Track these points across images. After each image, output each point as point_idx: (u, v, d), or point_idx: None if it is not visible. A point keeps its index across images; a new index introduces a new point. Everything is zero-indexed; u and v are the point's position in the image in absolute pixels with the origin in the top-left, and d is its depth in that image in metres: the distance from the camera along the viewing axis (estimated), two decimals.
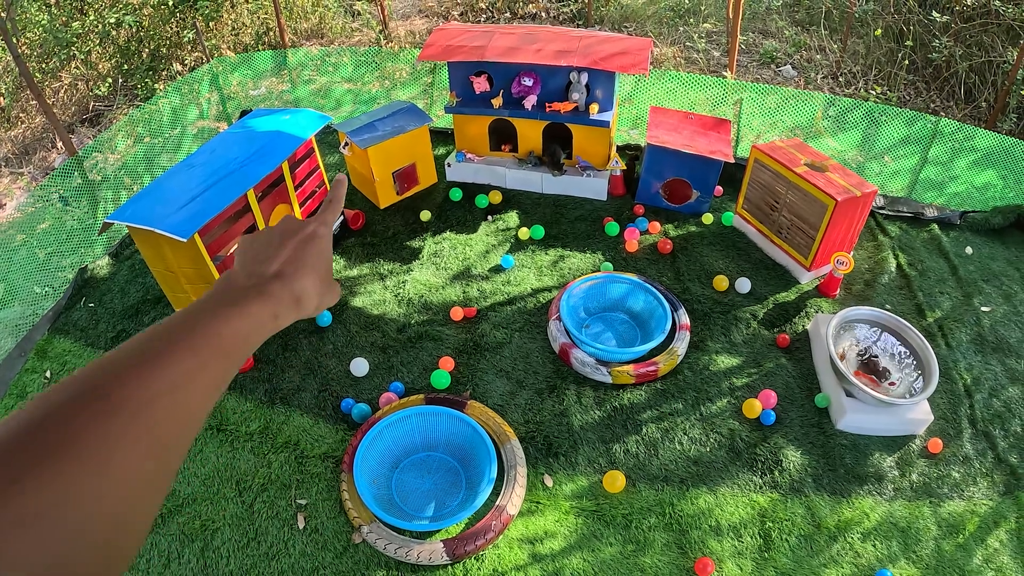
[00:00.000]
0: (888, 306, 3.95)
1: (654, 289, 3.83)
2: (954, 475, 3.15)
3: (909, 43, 7.59)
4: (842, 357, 3.45)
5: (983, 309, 3.98)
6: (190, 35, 8.81)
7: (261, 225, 3.74)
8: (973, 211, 4.75)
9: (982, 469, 3.18)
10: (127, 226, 3.34)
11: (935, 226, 4.61)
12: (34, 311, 4.34)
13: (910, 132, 5.37)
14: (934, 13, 7.44)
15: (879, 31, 7.89)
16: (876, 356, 3.49)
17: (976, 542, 2.90)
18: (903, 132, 5.42)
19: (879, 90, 7.40)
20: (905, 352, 3.45)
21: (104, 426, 0.56)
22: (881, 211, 4.72)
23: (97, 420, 0.56)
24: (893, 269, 4.24)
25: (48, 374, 3.83)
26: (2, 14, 5.15)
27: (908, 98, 7.54)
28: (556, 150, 4.82)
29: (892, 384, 3.38)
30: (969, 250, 4.44)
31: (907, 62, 7.58)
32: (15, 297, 4.47)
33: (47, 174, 6.06)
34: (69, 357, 3.91)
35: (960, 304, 4.01)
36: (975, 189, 5.10)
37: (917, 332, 3.43)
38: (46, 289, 4.56)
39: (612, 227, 4.49)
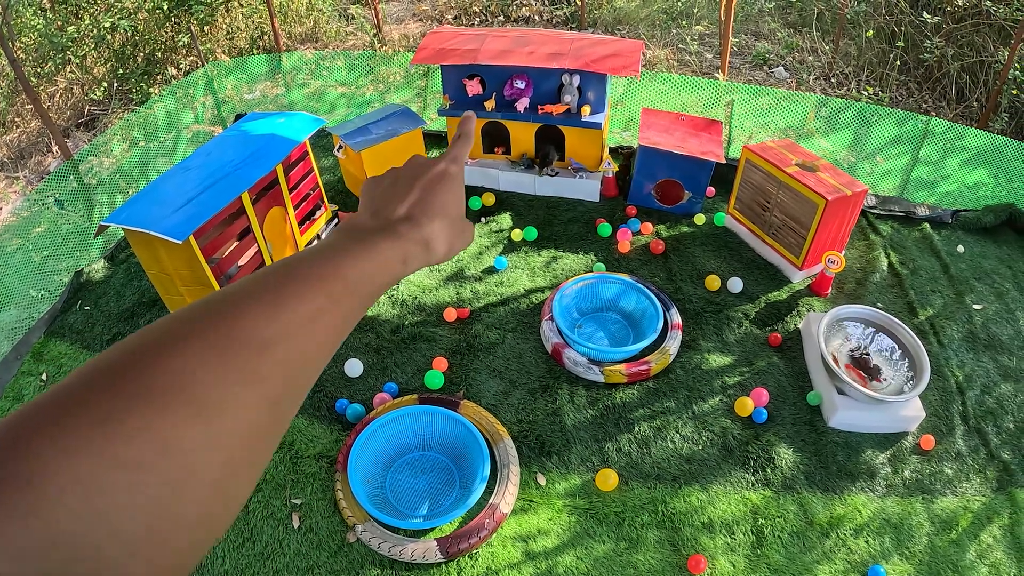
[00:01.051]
0: (880, 304, 3.97)
1: (646, 289, 3.84)
2: (947, 471, 3.17)
3: (901, 44, 7.63)
4: (834, 356, 3.47)
5: (975, 307, 4.01)
6: (185, 39, 8.83)
7: (256, 228, 3.76)
8: (965, 210, 4.78)
9: (975, 465, 3.20)
10: (123, 229, 3.36)
11: (927, 225, 4.64)
12: (30, 314, 4.34)
13: (901, 132, 5.40)
14: (925, 14, 7.47)
15: (871, 32, 7.93)
16: (867, 354, 3.51)
17: (969, 538, 2.92)
18: (894, 132, 5.44)
19: (871, 91, 7.44)
20: (897, 350, 3.47)
21: (221, 366, 0.49)
22: (872, 210, 4.75)
23: (213, 358, 0.49)
24: (885, 268, 4.26)
25: (44, 377, 3.84)
26: None
27: (900, 98, 7.57)
28: (548, 151, 4.84)
29: (878, 380, 3.40)
30: (961, 248, 4.46)
31: (899, 63, 7.61)
32: (11, 301, 4.48)
33: (43, 178, 6.07)
34: (65, 360, 3.92)
35: (952, 302, 4.04)
36: (967, 188, 5.13)
37: (908, 330, 3.45)
38: (42, 292, 4.57)
39: (604, 228, 4.51)
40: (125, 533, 0.42)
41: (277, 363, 0.53)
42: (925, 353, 3.34)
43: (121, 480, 0.41)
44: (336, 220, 4.58)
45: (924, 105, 7.39)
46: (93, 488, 0.40)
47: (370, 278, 0.67)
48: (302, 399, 0.57)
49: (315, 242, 4.22)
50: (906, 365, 3.40)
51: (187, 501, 0.45)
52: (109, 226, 3.36)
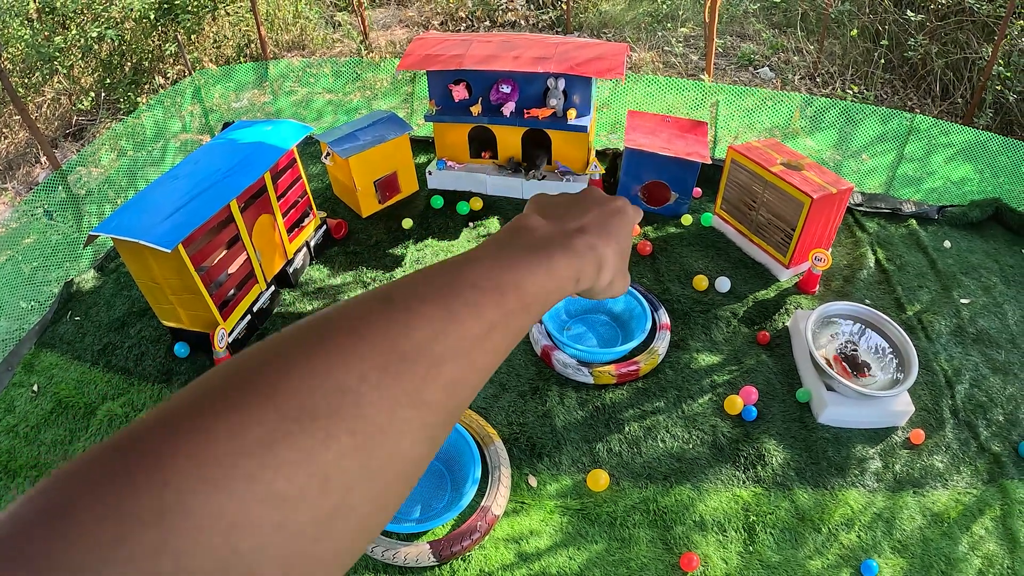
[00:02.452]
0: (868, 301, 4.00)
1: (634, 290, 3.86)
2: (937, 465, 3.19)
3: (885, 42, 7.67)
4: (824, 356, 3.49)
5: (962, 301, 4.03)
6: (172, 48, 8.83)
7: (244, 236, 3.76)
8: (951, 205, 4.81)
9: (965, 458, 3.22)
10: (112, 238, 3.36)
11: (913, 221, 4.66)
12: (20, 326, 4.34)
13: (886, 130, 5.43)
14: (909, 12, 7.52)
15: (855, 31, 7.97)
16: (855, 350, 3.53)
17: (961, 530, 2.94)
18: (879, 130, 5.47)
19: (856, 89, 7.47)
20: (885, 345, 3.49)
21: (389, 386, 0.43)
22: (859, 208, 4.78)
23: (381, 375, 0.43)
24: (872, 264, 4.28)
25: (35, 388, 3.83)
26: None
27: (885, 96, 7.61)
28: (538, 156, 4.86)
29: (863, 376, 3.42)
30: (948, 244, 4.49)
31: (883, 61, 7.65)
32: (1, 312, 4.47)
33: (31, 189, 6.06)
34: (56, 371, 3.91)
35: (939, 297, 4.06)
36: (952, 184, 5.16)
37: (896, 325, 3.47)
38: (32, 303, 4.56)
39: None
40: (271, 559, 0.37)
41: (443, 386, 0.47)
42: (913, 348, 3.36)
43: (269, 517, 0.36)
44: (325, 228, 4.59)
45: (909, 103, 7.43)
46: (237, 526, 0.35)
47: (545, 295, 0.59)
48: (456, 421, 0.50)
49: (303, 249, 4.24)
50: (895, 361, 3.42)
51: (330, 539, 0.40)
52: (98, 236, 3.36)
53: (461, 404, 0.49)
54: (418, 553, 2.76)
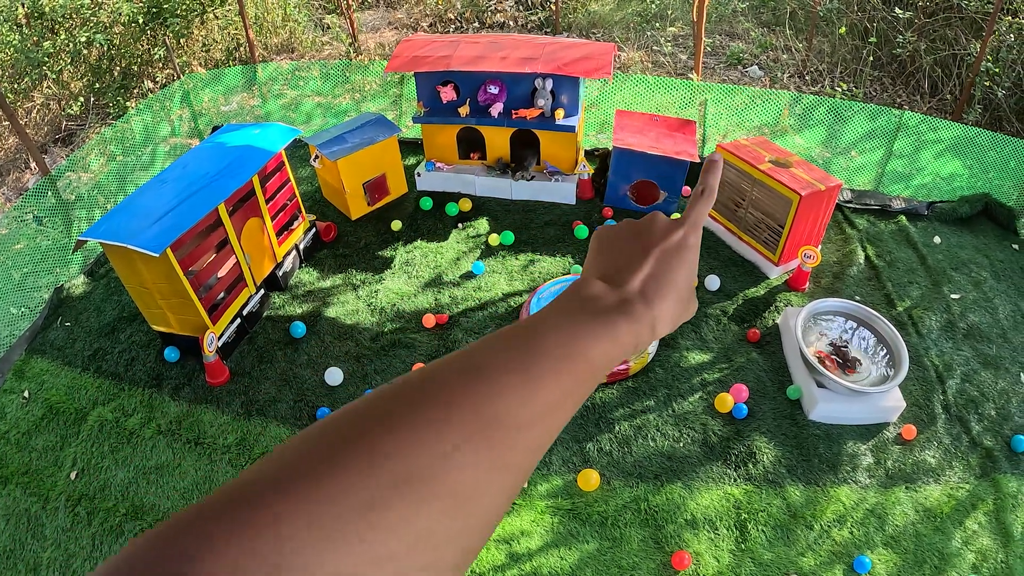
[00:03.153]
0: (858, 297, 4.00)
1: None
2: (929, 460, 3.19)
3: (873, 40, 7.68)
4: (814, 351, 3.49)
5: (953, 296, 4.04)
6: (161, 52, 8.81)
7: (233, 240, 3.76)
8: (940, 201, 4.82)
9: (957, 453, 3.23)
10: (101, 243, 3.35)
11: (903, 217, 4.67)
12: (10, 332, 4.32)
13: (875, 126, 5.44)
14: (897, 9, 7.53)
15: (843, 29, 7.98)
16: (846, 346, 3.53)
17: (954, 525, 2.95)
18: (868, 127, 5.48)
19: (845, 87, 7.49)
20: (875, 341, 3.49)
21: (480, 451, 0.46)
22: (848, 205, 4.79)
23: (473, 441, 0.46)
24: (862, 261, 4.29)
25: (26, 394, 3.82)
26: None
27: (874, 93, 7.63)
28: (527, 156, 4.86)
29: (852, 372, 3.42)
30: (937, 239, 4.50)
31: (872, 58, 7.67)
32: None
33: (20, 194, 6.04)
34: (47, 377, 3.90)
35: (929, 292, 4.07)
36: (942, 180, 5.17)
37: (886, 321, 3.48)
38: (22, 310, 4.54)
39: (581, 230, 4.53)
40: None
41: (524, 450, 0.50)
42: (904, 344, 3.36)
43: (371, 575, 0.39)
44: (314, 231, 4.58)
45: (898, 99, 7.44)
46: None
47: (610, 361, 0.61)
48: (519, 492, 0.53)
49: (293, 252, 4.23)
50: (886, 356, 3.42)
51: None
52: (87, 241, 3.35)
53: (535, 463, 0.52)
54: None
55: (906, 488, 3.09)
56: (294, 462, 0.41)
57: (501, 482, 0.47)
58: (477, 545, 0.46)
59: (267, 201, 4.06)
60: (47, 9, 8.62)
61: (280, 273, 4.26)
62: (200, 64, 9.00)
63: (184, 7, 8.80)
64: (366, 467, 0.41)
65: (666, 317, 0.70)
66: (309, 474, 0.40)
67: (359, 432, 0.43)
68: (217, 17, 9.27)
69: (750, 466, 3.16)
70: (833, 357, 3.49)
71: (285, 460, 0.41)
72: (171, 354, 3.85)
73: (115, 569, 0.34)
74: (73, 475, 3.38)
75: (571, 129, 4.60)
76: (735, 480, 3.12)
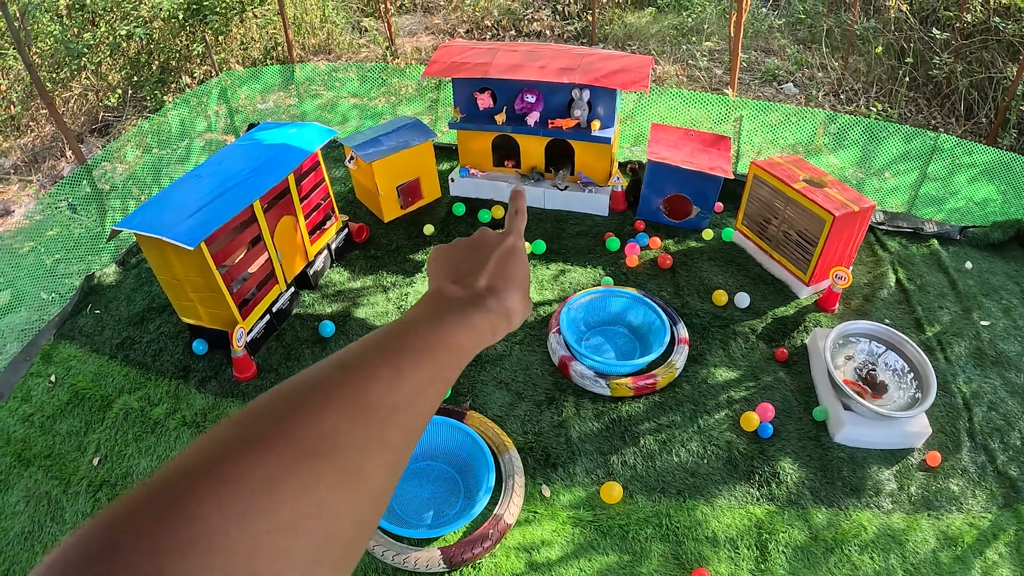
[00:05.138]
0: (887, 320, 3.98)
1: (653, 303, 3.86)
2: (953, 488, 3.16)
3: (910, 60, 7.64)
4: (841, 373, 3.47)
5: (982, 323, 4.00)
6: (199, 48, 8.90)
7: (267, 237, 3.79)
8: (973, 226, 4.78)
9: (981, 482, 3.20)
10: (135, 234, 3.39)
11: (935, 241, 4.64)
12: (40, 316, 4.38)
13: (910, 148, 5.41)
14: (934, 30, 7.49)
15: (880, 48, 7.94)
16: (874, 370, 3.51)
17: (975, 555, 2.92)
18: (903, 148, 5.45)
19: (880, 107, 7.44)
20: (904, 366, 3.47)
21: (359, 430, 0.53)
22: (880, 227, 4.76)
23: (353, 422, 0.53)
24: (892, 284, 4.26)
25: (53, 378, 3.87)
26: (16, 23, 5.22)
27: (909, 115, 7.58)
28: (562, 165, 4.88)
29: (878, 397, 3.39)
30: (969, 265, 4.46)
31: (908, 79, 7.62)
32: (22, 303, 4.51)
33: (56, 182, 6.11)
34: (74, 362, 3.95)
35: (959, 318, 4.04)
36: (975, 204, 5.13)
37: (915, 346, 3.45)
38: (53, 295, 4.61)
39: (613, 242, 4.53)
40: None
41: (400, 429, 0.57)
42: (932, 369, 3.33)
43: (277, 543, 0.44)
44: (346, 231, 4.61)
45: (933, 121, 7.40)
46: (254, 552, 0.42)
47: (469, 348, 0.72)
48: (407, 461, 0.60)
49: (324, 252, 4.26)
50: (914, 382, 3.40)
51: (325, 561, 0.47)
52: (122, 231, 3.39)
53: (414, 442, 0.60)
54: (429, 558, 2.77)
55: (928, 515, 3.06)
56: (208, 447, 0.47)
57: (383, 458, 0.54)
58: (369, 518, 0.52)
59: (301, 200, 4.09)
60: (88, 1, 8.73)
61: (311, 272, 4.29)
62: (238, 62, 9.09)
63: (224, 5, 8.89)
64: (265, 444, 0.47)
65: (517, 308, 0.82)
66: (221, 459, 0.46)
67: (255, 421, 0.50)
68: (256, 16, 9.35)
69: (773, 486, 3.14)
70: (859, 383, 3.47)
71: (201, 447, 0.47)
72: (199, 347, 3.89)
73: (49, 569, 0.39)
74: (96, 461, 3.41)
75: (607, 141, 4.60)
76: (757, 500, 3.10)
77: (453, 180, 5.13)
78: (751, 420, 3.34)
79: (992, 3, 7.32)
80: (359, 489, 0.51)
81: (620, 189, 4.85)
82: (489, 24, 10.09)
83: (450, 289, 0.80)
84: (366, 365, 0.59)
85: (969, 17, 7.37)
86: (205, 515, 0.41)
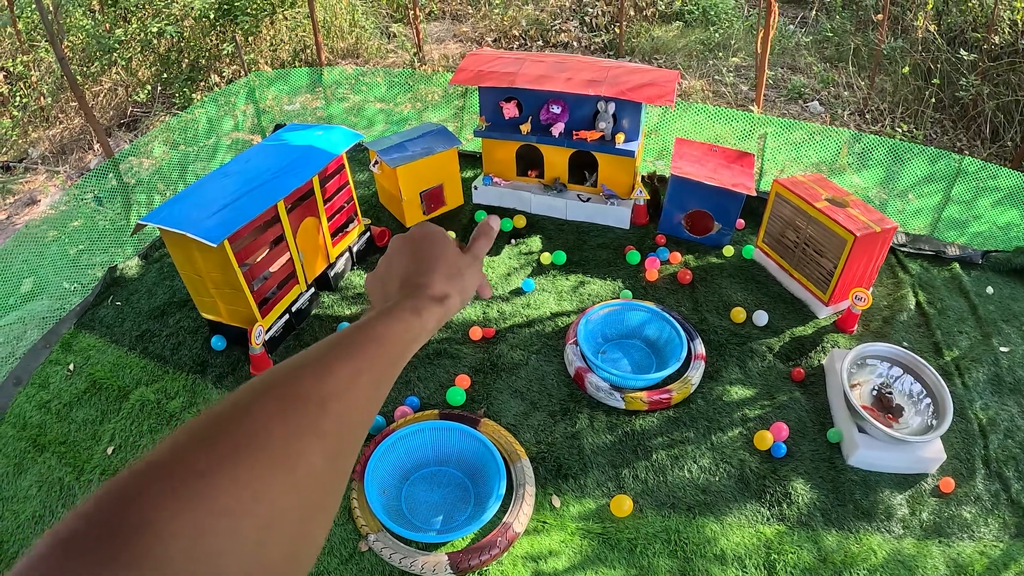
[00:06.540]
0: (906, 343, 3.95)
1: (671, 318, 3.86)
2: (965, 515, 3.14)
3: (936, 81, 7.61)
4: (858, 395, 3.45)
5: (1002, 349, 3.97)
6: (229, 48, 8.98)
7: (289, 237, 3.82)
8: (995, 251, 4.75)
9: (994, 510, 3.16)
10: (159, 228, 3.43)
11: (956, 265, 4.61)
12: (62, 305, 4.44)
13: (934, 170, 5.37)
14: (962, 51, 7.45)
15: (907, 69, 7.91)
16: (890, 393, 3.49)
17: None
18: (927, 170, 5.42)
19: (905, 128, 7.41)
20: (920, 390, 3.45)
21: (290, 422, 0.58)
22: (902, 248, 4.73)
23: (283, 415, 0.58)
24: (912, 307, 4.24)
25: (71, 367, 3.92)
26: (49, 16, 5.29)
27: (934, 136, 7.54)
28: (587, 175, 4.90)
29: (895, 420, 3.37)
30: (990, 290, 4.43)
31: (934, 100, 7.59)
32: (44, 291, 4.57)
33: (83, 174, 6.18)
34: (93, 352, 4.00)
35: (979, 344, 4.01)
36: (998, 229, 5.09)
37: (933, 370, 3.43)
38: (75, 285, 4.66)
39: (633, 255, 4.53)
40: (227, 565, 0.49)
41: (333, 418, 0.62)
42: (949, 394, 3.31)
43: (222, 525, 0.49)
44: (368, 235, 4.64)
45: (958, 143, 7.35)
46: (200, 533, 0.47)
47: (396, 337, 0.78)
48: (355, 457, 0.66)
49: (346, 254, 4.29)
50: (930, 406, 3.38)
51: (275, 543, 0.52)
52: (146, 225, 3.43)
53: (354, 433, 0.66)
54: (436, 563, 2.78)
55: (939, 542, 3.03)
56: (163, 447, 0.53)
57: (321, 446, 0.59)
58: (317, 501, 0.58)
59: (325, 202, 4.13)
60: None
61: (332, 273, 4.32)
62: (266, 63, 9.16)
63: (255, 6, 8.97)
64: (205, 443, 0.53)
65: (449, 289, 0.91)
66: (169, 453, 0.52)
67: (210, 418, 0.56)
68: (286, 18, 9.43)
69: (784, 506, 3.13)
70: (877, 407, 3.45)
71: (163, 446, 0.53)
72: (218, 343, 3.93)
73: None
74: (110, 450, 3.45)
75: (631, 154, 4.61)
76: (768, 519, 3.09)
77: (476, 188, 5.15)
78: (764, 439, 3.33)
79: (1021, 25, 7.28)
80: (297, 474, 0.56)
81: (642, 203, 4.85)
82: (517, 34, 10.13)
83: (375, 303, 0.93)
84: (297, 365, 0.66)
85: (997, 39, 7.33)
86: (158, 502, 0.47)
